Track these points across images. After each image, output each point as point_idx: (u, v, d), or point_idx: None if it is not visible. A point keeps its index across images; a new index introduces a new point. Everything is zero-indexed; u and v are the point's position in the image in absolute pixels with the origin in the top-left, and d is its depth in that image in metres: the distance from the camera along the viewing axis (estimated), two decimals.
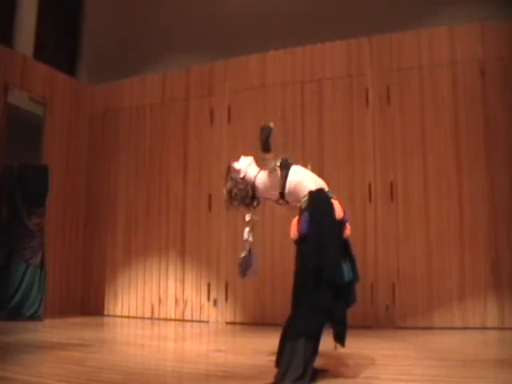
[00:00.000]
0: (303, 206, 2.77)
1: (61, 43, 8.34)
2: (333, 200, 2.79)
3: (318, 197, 2.76)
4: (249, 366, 3.26)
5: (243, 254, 3.04)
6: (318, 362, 2.87)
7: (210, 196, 6.19)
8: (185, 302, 6.19)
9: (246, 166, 3.06)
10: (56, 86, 6.71)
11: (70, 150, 6.85)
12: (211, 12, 8.02)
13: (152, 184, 6.59)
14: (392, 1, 7.03)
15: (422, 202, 5.35)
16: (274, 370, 2.67)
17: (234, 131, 6.17)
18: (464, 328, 4.96)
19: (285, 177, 2.87)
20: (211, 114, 6.38)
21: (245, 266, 3.03)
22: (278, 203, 3.00)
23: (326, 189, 2.85)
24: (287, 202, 2.95)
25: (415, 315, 5.19)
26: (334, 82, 5.86)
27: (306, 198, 2.76)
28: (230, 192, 3.05)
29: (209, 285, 6.10)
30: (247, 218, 3.04)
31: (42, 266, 5.93)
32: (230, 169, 3.11)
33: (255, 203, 3.05)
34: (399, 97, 5.59)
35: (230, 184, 3.05)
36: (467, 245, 5.14)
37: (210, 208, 6.19)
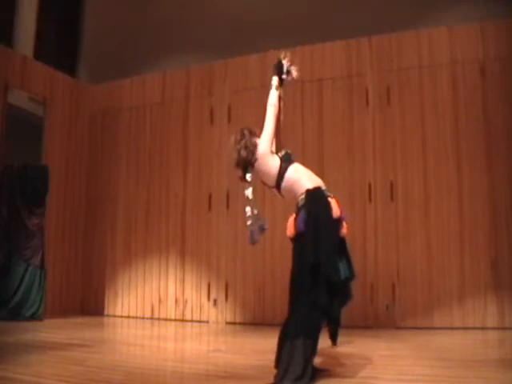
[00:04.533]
0: (300, 204, 2.77)
1: (61, 43, 8.34)
2: (330, 198, 2.80)
3: (315, 195, 2.77)
4: (249, 366, 3.26)
5: (250, 224, 2.92)
6: (318, 362, 2.87)
7: (210, 196, 6.19)
8: (185, 302, 6.19)
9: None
10: (56, 86, 6.72)
11: (70, 150, 6.85)
12: (211, 12, 8.01)
13: (152, 184, 6.60)
14: (392, 1, 7.03)
15: (422, 202, 5.35)
16: (274, 370, 2.66)
17: (234, 131, 6.13)
18: (464, 328, 4.96)
19: (284, 170, 2.86)
20: (211, 113, 6.38)
21: (257, 232, 2.94)
22: (271, 190, 2.97)
23: (324, 187, 2.85)
24: (282, 197, 2.95)
25: (415, 315, 5.19)
26: (333, 82, 5.86)
27: (303, 196, 2.77)
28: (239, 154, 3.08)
29: (209, 285, 6.10)
30: (249, 194, 2.95)
31: (41, 266, 5.94)
32: (248, 134, 3.18)
33: (248, 177, 2.97)
34: (399, 97, 5.59)
35: (239, 148, 3.10)
36: (467, 245, 5.14)
37: (210, 208, 6.19)
